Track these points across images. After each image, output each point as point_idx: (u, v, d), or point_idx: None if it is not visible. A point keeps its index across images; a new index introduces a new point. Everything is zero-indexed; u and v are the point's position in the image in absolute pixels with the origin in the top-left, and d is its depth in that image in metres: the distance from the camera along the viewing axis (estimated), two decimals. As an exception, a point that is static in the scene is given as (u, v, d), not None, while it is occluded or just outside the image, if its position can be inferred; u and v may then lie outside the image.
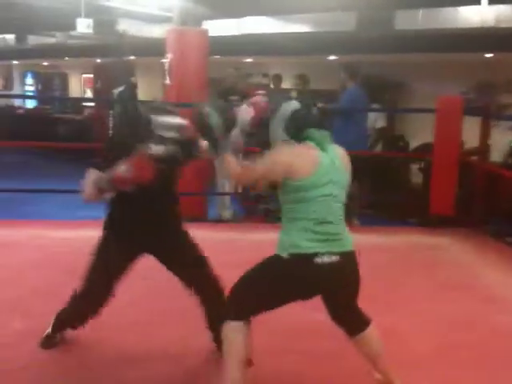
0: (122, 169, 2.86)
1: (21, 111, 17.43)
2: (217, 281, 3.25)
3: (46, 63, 19.24)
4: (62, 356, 3.37)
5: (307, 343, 3.61)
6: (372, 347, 2.98)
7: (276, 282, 2.75)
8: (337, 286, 2.78)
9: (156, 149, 2.90)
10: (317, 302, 2.88)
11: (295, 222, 2.72)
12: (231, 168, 2.89)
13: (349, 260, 2.78)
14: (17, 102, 18.88)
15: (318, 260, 2.66)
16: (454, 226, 6.60)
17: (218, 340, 3.11)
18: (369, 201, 7.96)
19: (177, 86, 6.84)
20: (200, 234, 3.34)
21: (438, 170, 6.55)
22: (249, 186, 6.02)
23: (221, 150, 2.93)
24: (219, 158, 2.98)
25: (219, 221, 6.78)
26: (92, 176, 2.99)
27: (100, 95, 13.36)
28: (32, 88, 20.53)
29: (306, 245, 2.67)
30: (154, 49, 8.34)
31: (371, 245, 6.01)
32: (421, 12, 7.69)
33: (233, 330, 2.79)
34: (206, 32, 7.13)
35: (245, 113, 2.98)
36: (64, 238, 5.80)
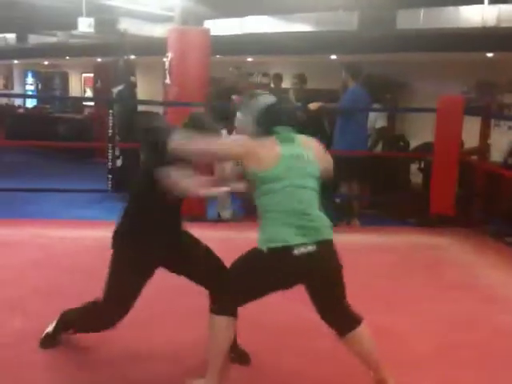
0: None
1: (21, 110, 17.43)
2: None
3: (46, 62, 19.24)
4: (61, 356, 3.37)
5: (306, 342, 3.61)
6: (363, 346, 2.97)
7: (258, 275, 2.81)
8: (317, 275, 2.82)
9: None
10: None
11: (268, 215, 2.80)
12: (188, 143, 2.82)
13: (326, 248, 2.82)
14: (17, 102, 18.88)
15: (296, 252, 2.71)
16: (453, 225, 6.60)
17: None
18: (369, 201, 7.96)
19: (177, 85, 6.83)
20: (199, 234, 3.33)
21: (438, 169, 6.56)
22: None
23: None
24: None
25: (218, 220, 6.78)
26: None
27: (100, 95, 13.36)
28: (32, 87, 20.52)
29: (282, 238, 2.73)
30: (156, 48, 8.34)
31: (371, 245, 6.03)
32: (422, 11, 7.68)
33: (218, 324, 2.85)
34: (207, 31, 7.12)
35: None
36: (65, 238, 5.81)
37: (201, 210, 6.59)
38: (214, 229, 6.09)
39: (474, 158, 7.01)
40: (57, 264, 4.96)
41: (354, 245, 5.91)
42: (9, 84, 21.38)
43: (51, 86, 19.96)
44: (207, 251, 3.22)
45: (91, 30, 8.55)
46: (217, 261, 3.17)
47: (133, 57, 9.03)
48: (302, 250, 2.71)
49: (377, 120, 7.94)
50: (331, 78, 9.46)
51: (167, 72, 6.94)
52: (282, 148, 2.82)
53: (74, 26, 8.70)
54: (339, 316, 2.96)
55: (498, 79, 10.05)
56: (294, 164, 2.80)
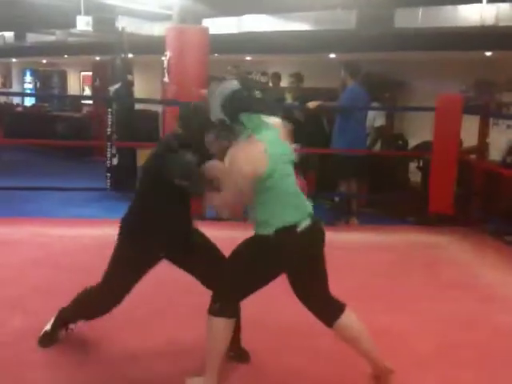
0: None
1: (19, 109, 17.40)
2: None
3: (44, 61, 19.22)
4: (61, 355, 3.37)
5: (306, 341, 3.62)
6: (353, 330, 3.02)
7: (260, 262, 2.85)
8: (316, 247, 2.93)
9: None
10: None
11: (267, 203, 2.85)
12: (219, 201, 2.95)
13: (316, 220, 2.95)
14: (15, 100, 18.85)
15: (298, 228, 2.84)
16: (452, 224, 6.61)
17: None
18: (367, 199, 7.96)
19: (176, 83, 6.83)
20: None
21: (437, 168, 6.55)
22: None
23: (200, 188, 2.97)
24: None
25: (218, 219, 6.77)
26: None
27: (99, 93, 13.35)
28: (31, 86, 20.49)
29: (286, 218, 2.83)
30: (154, 47, 8.33)
31: (370, 243, 6.03)
32: (421, 10, 7.69)
33: (216, 326, 2.88)
34: (206, 30, 7.11)
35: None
36: (64, 236, 5.81)
37: (200, 209, 6.59)
38: (213, 227, 6.05)
39: (473, 156, 7.00)
40: (56, 262, 4.96)
41: (353, 244, 5.92)
42: (7, 82, 21.34)
43: (50, 84, 19.92)
44: (214, 251, 3.24)
45: (89, 28, 8.53)
46: (221, 260, 3.16)
47: (131, 55, 9.00)
48: (303, 225, 2.84)
49: (375, 119, 7.93)
50: (330, 77, 9.43)
51: (166, 70, 6.93)
52: (264, 144, 2.82)
53: (73, 24, 8.68)
54: (324, 303, 3.02)
55: (496, 78, 10.05)
56: (278, 155, 2.86)
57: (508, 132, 9.39)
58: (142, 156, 6.83)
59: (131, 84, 8.43)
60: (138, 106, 9.72)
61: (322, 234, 2.97)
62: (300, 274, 2.95)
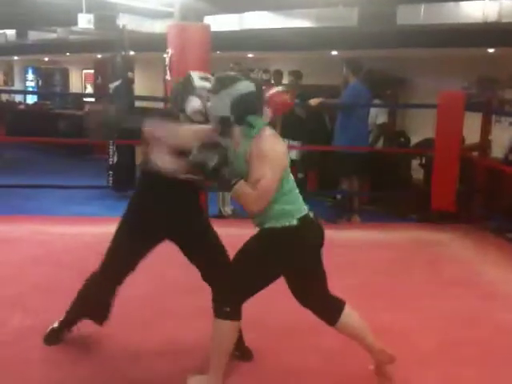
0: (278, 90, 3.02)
1: (22, 107, 17.41)
2: None
3: (46, 59, 19.22)
4: (61, 354, 3.36)
5: (308, 341, 3.60)
6: (355, 325, 3.03)
7: (275, 255, 2.82)
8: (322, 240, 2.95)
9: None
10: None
11: (292, 190, 2.88)
12: (248, 199, 2.80)
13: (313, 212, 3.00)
14: (18, 98, 18.86)
15: (314, 218, 2.92)
16: (454, 222, 6.59)
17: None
18: (369, 197, 7.95)
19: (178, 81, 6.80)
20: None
21: (439, 165, 6.54)
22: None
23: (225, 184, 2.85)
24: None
25: (220, 216, 6.77)
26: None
27: (101, 91, 13.34)
28: (33, 83, 20.50)
29: (303, 207, 2.88)
30: (156, 44, 8.31)
31: (372, 241, 6.02)
32: (423, 7, 7.67)
33: (222, 328, 2.86)
34: (207, 27, 7.09)
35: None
36: (64, 234, 5.80)
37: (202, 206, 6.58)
38: (215, 225, 6.06)
39: (475, 154, 6.99)
40: (56, 260, 4.95)
41: (355, 241, 5.91)
42: (9, 80, 21.35)
43: (52, 82, 19.93)
44: (219, 245, 3.24)
45: (91, 26, 8.53)
46: (226, 258, 3.16)
47: (132, 53, 8.99)
48: (311, 214, 2.91)
49: (378, 116, 7.91)
50: (332, 74, 9.44)
51: (167, 68, 6.91)
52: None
53: (74, 22, 8.69)
54: (324, 301, 3.01)
55: (499, 75, 10.01)
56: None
57: (510, 129, 9.35)
58: (141, 154, 6.82)
59: (131, 81, 8.41)
60: (139, 104, 9.71)
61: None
62: (310, 269, 2.94)
